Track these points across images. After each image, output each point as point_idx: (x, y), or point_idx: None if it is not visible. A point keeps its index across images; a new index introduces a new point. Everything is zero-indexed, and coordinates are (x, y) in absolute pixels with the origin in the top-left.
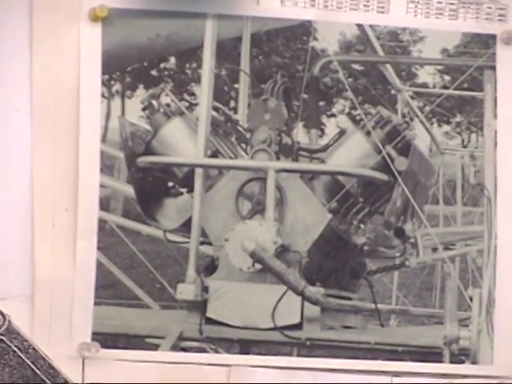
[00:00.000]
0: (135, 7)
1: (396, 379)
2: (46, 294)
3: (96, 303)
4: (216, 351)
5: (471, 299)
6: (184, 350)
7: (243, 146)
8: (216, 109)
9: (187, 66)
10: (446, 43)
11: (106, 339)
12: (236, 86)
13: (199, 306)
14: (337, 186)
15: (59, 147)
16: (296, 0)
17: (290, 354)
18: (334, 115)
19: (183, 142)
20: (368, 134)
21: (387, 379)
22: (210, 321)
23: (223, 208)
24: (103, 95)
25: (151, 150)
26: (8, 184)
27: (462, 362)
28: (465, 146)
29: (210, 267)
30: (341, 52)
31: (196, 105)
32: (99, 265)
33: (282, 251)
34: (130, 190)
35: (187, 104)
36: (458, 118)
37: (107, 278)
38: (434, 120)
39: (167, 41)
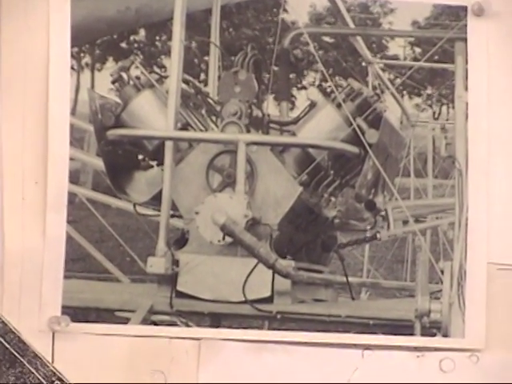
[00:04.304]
0: None
1: (367, 352)
2: (15, 268)
3: (66, 277)
4: (186, 325)
5: (442, 272)
6: (154, 323)
7: (213, 118)
8: (186, 81)
9: (157, 38)
10: (417, 15)
11: (76, 313)
12: (206, 58)
13: (169, 279)
14: (307, 158)
15: (28, 120)
16: None
17: (260, 328)
18: (304, 87)
19: (153, 115)
20: (339, 106)
21: (358, 352)
22: (180, 294)
23: (193, 181)
24: (73, 68)
25: (121, 123)
26: None
27: (433, 335)
28: (436, 118)
29: (180, 240)
30: (311, 24)
31: (166, 77)
32: (69, 238)
33: (253, 224)
34: (99, 163)
35: (157, 76)
36: (429, 90)
37: (77, 252)
38: (404, 92)
39: (137, 13)
